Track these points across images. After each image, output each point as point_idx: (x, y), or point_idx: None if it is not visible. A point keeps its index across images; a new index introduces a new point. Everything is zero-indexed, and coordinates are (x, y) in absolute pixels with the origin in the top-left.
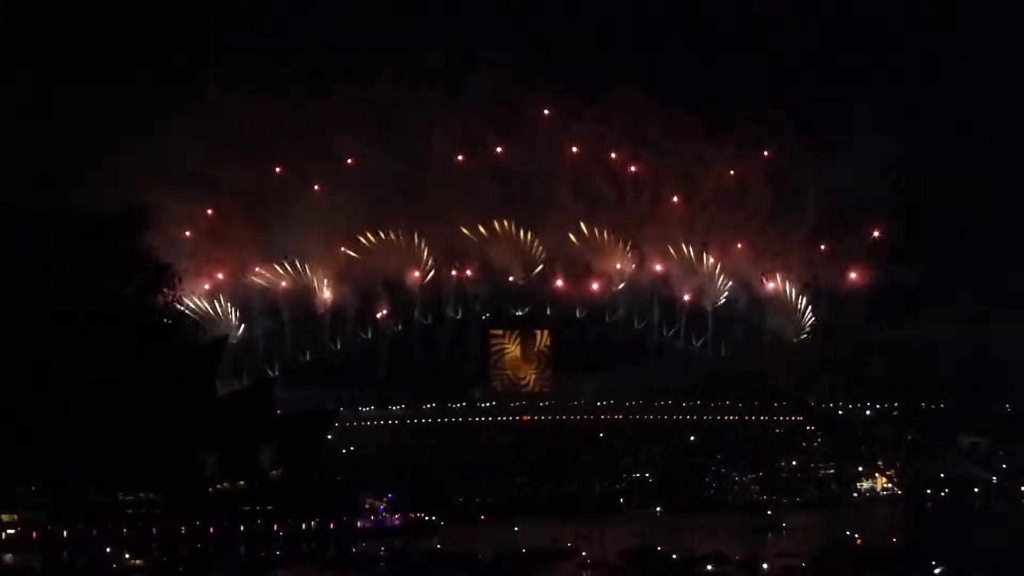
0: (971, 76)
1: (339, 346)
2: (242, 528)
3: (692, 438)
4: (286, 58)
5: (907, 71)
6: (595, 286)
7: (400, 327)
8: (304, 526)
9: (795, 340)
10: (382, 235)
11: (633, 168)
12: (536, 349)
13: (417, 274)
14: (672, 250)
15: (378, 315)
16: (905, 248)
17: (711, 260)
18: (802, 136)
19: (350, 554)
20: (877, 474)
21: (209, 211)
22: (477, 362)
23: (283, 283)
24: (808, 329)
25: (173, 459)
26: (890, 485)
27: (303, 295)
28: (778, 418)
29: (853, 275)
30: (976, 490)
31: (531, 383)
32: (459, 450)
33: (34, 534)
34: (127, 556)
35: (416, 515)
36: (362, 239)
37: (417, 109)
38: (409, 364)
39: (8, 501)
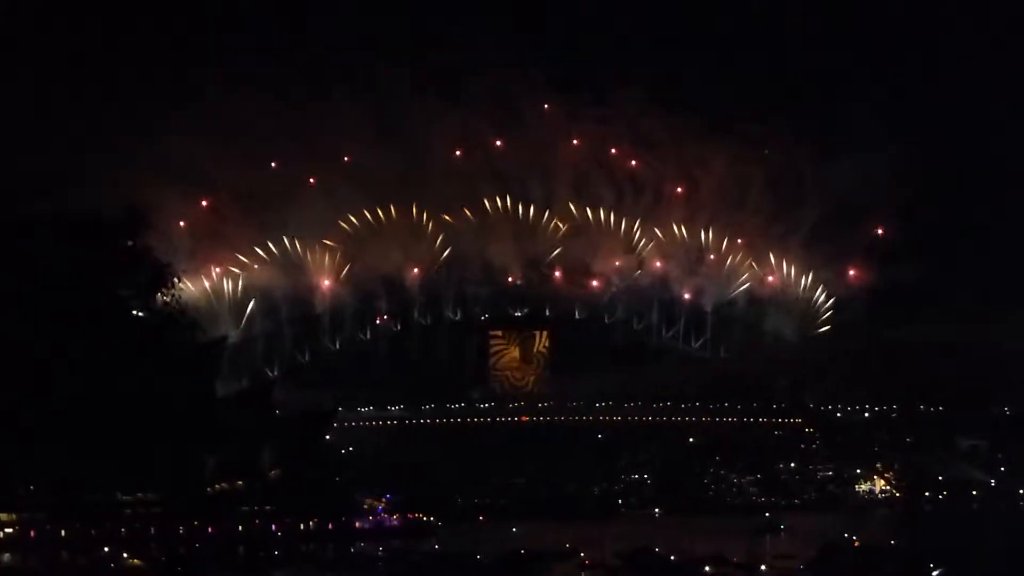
0: (971, 76)
1: (338, 346)
2: (241, 528)
3: (691, 439)
4: (286, 58)
5: (907, 71)
6: (595, 283)
7: (399, 327)
8: (303, 526)
9: (813, 333)
10: (381, 234)
11: (633, 165)
12: (535, 350)
13: (416, 271)
14: (672, 251)
15: (377, 316)
16: (904, 248)
17: (710, 260)
18: (802, 136)
19: (349, 555)
20: (876, 476)
21: (204, 202)
22: (476, 363)
23: (282, 283)
24: (824, 318)
25: (172, 459)
26: (888, 487)
27: (302, 295)
28: (777, 420)
29: (852, 274)
30: (975, 492)
31: (530, 384)
32: (458, 451)
33: (32, 533)
34: (126, 556)
35: (415, 516)
36: (361, 239)
37: (417, 109)
38: (408, 365)
39: (7, 501)
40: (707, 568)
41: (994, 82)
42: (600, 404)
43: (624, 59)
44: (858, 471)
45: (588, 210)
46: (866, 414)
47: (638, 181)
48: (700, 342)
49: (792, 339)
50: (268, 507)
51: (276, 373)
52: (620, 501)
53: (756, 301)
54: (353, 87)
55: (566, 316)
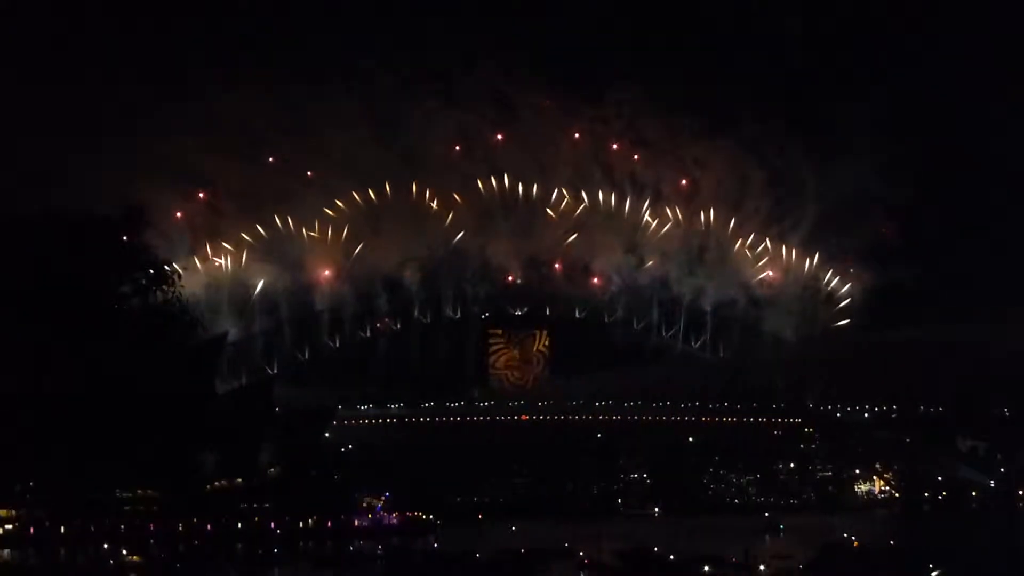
0: (971, 75)
1: (338, 345)
2: (240, 526)
3: (690, 439)
4: (283, 56)
5: (907, 71)
6: (595, 282)
7: (399, 326)
8: (302, 524)
9: (831, 327)
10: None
11: (633, 164)
12: (535, 349)
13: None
14: (672, 250)
15: (376, 315)
16: (903, 249)
17: (710, 260)
18: (801, 136)
19: (347, 552)
20: (875, 476)
21: (201, 194)
22: (475, 362)
23: (282, 278)
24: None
25: (171, 457)
26: (888, 487)
27: (302, 292)
28: (776, 420)
29: (852, 274)
30: (974, 493)
31: (529, 383)
32: (457, 450)
33: (32, 530)
34: (125, 553)
35: (413, 514)
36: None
37: (415, 108)
38: (408, 363)
39: (6, 498)
40: (706, 568)
41: (994, 81)
42: (599, 403)
43: (623, 59)
44: (857, 471)
45: (587, 209)
46: (865, 414)
47: (637, 180)
48: (700, 342)
49: (792, 339)
50: (267, 505)
51: (275, 371)
52: (619, 500)
53: (756, 301)
54: (350, 85)
55: (565, 315)
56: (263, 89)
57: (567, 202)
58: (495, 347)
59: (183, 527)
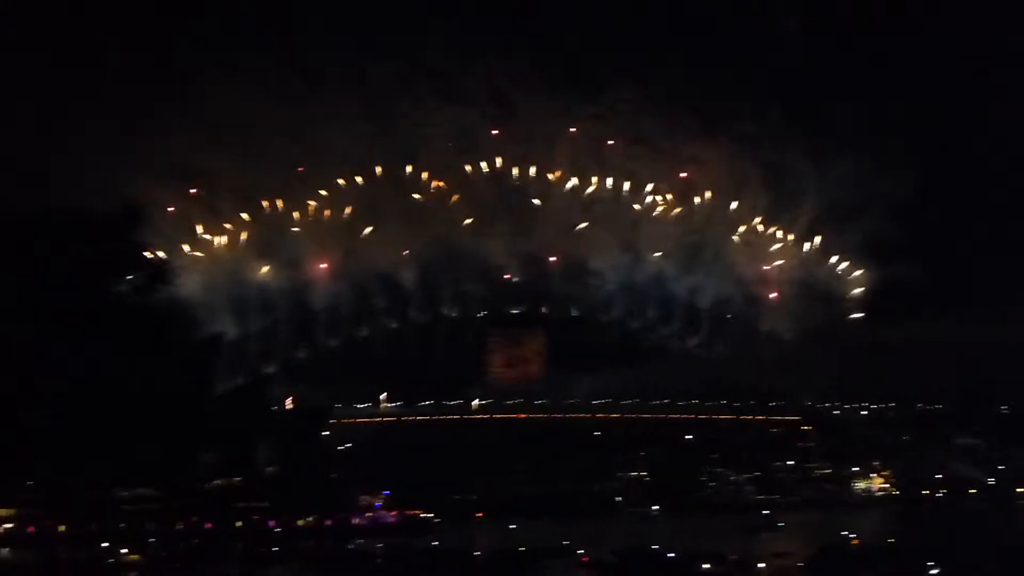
0: (971, 75)
1: (335, 343)
2: (238, 525)
3: (688, 437)
4: (281, 54)
5: (906, 69)
6: (592, 282)
7: (396, 325)
8: (300, 523)
9: (847, 319)
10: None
11: (630, 162)
12: (532, 348)
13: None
14: (669, 248)
15: (373, 313)
16: (903, 247)
17: (708, 258)
18: (800, 134)
19: (346, 551)
20: (873, 474)
21: (194, 191)
22: (473, 360)
23: (278, 279)
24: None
25: (170, 455)
26: (886, 486)
27: (298, 292)
28: (774, 418)
29: (850, 273)
30: (973, 492)
31: (527, 382)
32: (455, 448)
33: (30, 529)
34: (123, 551)
35: (412, 513)
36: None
37: (412, 107)
38: (405, 361)
39: (6, 497)
40: (705, 566)
41: (994, 81)
42: (597, 402)
43: (620, 57)
44: (856, 469)
45: (585, 206)
46: (864, 412)
47: (635, 177)
48: (697, 340)
49: (789, 337)
50: (265, 503)
51: (272, 369)
52: (618, 499)
53: (753, 298)
54: (346, 82)
55: (563, 314)
56: (261, 86)
57: (565, 200)
58: (492, 345)
59: (181, 526)
